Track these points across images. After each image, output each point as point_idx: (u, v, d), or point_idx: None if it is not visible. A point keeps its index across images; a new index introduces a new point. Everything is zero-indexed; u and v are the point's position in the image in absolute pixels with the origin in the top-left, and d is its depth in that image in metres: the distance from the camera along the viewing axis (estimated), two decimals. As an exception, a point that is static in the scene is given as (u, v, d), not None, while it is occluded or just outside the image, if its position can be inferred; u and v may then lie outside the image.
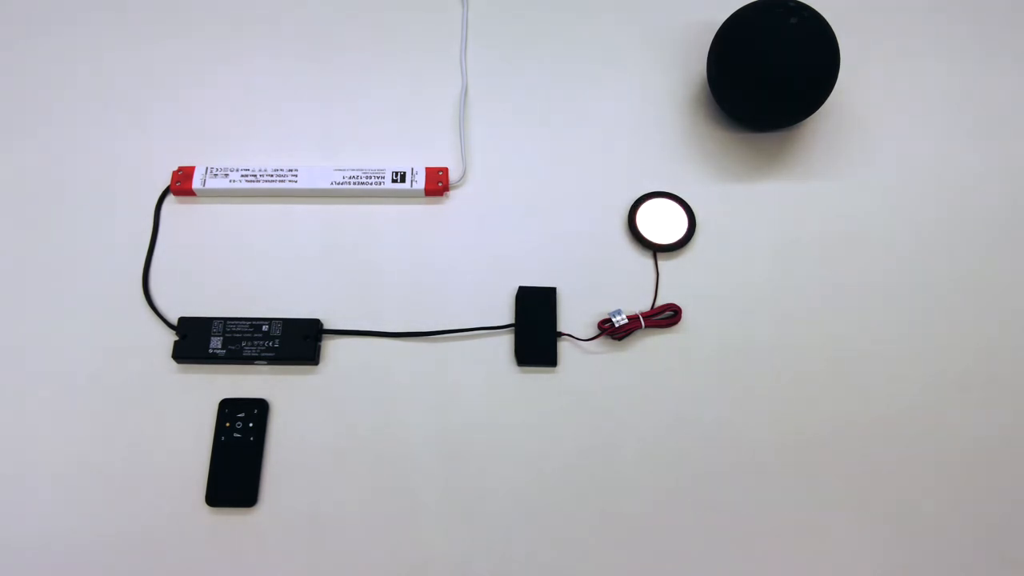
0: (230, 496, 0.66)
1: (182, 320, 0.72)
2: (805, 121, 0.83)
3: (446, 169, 0.80)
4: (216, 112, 0.84)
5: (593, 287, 0.76)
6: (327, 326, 0.73)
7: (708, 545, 0.66)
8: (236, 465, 0.67)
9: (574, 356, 0.73)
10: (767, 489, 0.68)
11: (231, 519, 0.66)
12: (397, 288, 0.75)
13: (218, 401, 0.69)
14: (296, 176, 0.78)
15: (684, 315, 0.74)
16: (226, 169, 0.78)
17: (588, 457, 0.69)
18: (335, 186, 0.78)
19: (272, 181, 0.78)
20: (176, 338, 0.71)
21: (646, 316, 0.72)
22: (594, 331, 0.73)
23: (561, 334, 0.73)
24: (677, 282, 0.76)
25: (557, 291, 0.75)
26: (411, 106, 0.85)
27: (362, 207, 0.79)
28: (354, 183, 0.78)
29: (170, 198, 0.79)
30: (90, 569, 0.64)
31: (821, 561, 0.66)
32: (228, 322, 0.71)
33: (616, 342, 0.73)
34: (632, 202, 0.79)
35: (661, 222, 0.78)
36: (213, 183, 0.78)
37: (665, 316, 0.74)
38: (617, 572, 0.65)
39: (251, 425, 0.68)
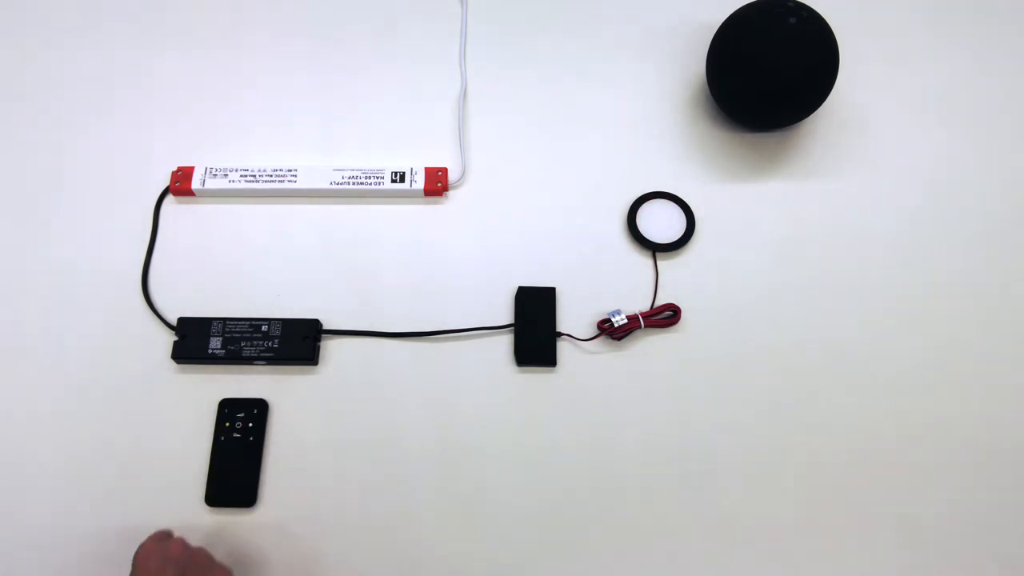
0: (230, 496, 0.66)
1: (181, 320, 0.71)
2: (804, 121, 0.83)
3: (445, 169, 0.80)
4: (216, 112, 0.84)
5: (592, 287, 0.76)
6: (326, 326, 0.73)
7: (707, 544, 0.66)
8: (236, 465, 0.67)
9: (573, 356, 0.73)
10: (766, 489, 0.68)
11: (231, 519, 0.66)
12: (396, 288, 0.75)
13: (218, 401, 0.69)
14: (295, 176, 0.78)
15: (683, 315, 0.74)
16: (225, 169, 0.78)
17: (587, 456, 0.69)
18: (334, 186, 0.78)
19: (271, 181, 0.78)
20: (175, 338, 0.70)
21: (645, 316, 0.72)
22: (593, 331, 0.73)
23: (560, 334, 0.73)
24: (676, 282, 0.76)
25: (556, 291, 0.75)
26: (410, 106, 0.85)
27: (361, 207, 0.79)
28: (353, 183, 0.78)
29: (169, 198, 0.79)
30: (89, 569, 0.64)
31: (820, 560, 0.66)
32: (227, 322, 0.71)
33: (615, 342, 0.73)
34: (632, 202, 0.79)
35: (660, 222, 0.78)
36: (212, 183, 0.78)
37: (664, 316, 0.74)
38: (616, 571, 0.65)
39: (251, 425, 0.68)
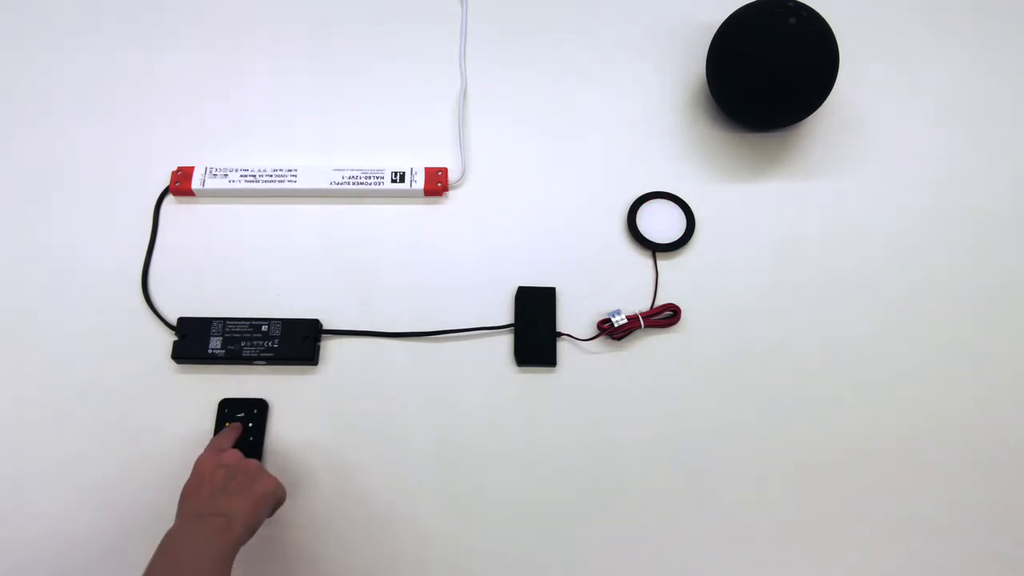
0: (230, 496, 0.66)
1: (181, 320, 0.71)
2: (804, 121, 0.83)
3: (445, 169, 0.80)
4: (216, 112, 0.84)
5: (592, 287, 0.75)
6: (326, 326, 0.73)
7: (707, 544, 0.66)
8: (236, 465, 0.66)
9: (573, 356, 0.73)
10: (766, 489, 0.68)
11: (231, 519, 0.66)
12: (397, 288, 0.75)
13: (218, 401, 0.69)
14: (295, 176, 0.78)
15: (683, 315, 0.74)
16: (225, 169, 0.78)
17: (587, 457, 0.69)
18: (334, 186, 0.78)
19: (271, 181, 0.78)
20: (175, 338, 0.70)
21: (645, 316, 0.72)
22: (593, 331, 0.73)
23: (560, 334, 0.73)
24: (676, 282, 0.76)
25: (557, 291, 0.75)
26: (410, 106, 0.85)
27: (361, 207, 0.79)
28: (353, 183, 0.78)
29: (169, 198, 0.79)
30: (89, 570, 0.64)
31: (820, 560, 0.66)
32: (227, 322, 0.71)
33: (615, 342, 0.73)
34: (632, 202, 0.79)
35: (661, 222, 0.78)
36: (212, 183, 0.78)
37: (664, 316, 0.74)
38: (616, 572, 0.65)
39: (251, 425, 0.68)
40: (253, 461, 0.61)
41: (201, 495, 0.57)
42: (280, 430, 0.69)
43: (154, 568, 0.51)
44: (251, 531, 0.55)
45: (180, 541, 0.53)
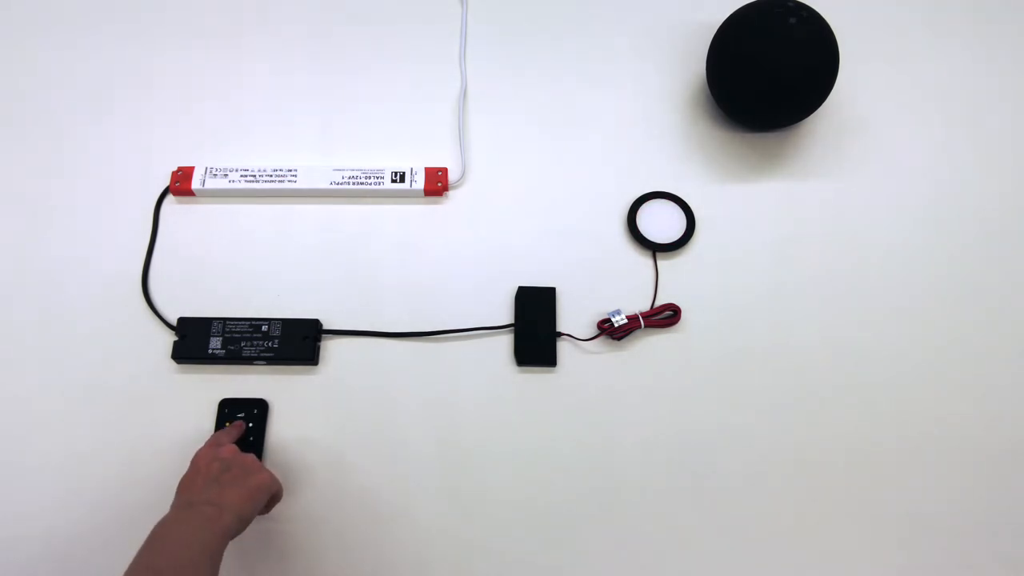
0: (230, 496, 0.66)
1: (181, 320, 0.71)
2: (804, 121, 0.83)
3: (445, 169, 0.80)
4: (216, 112, 0.84)
5: (593, 287, 0.75)
6: (326, 326, 0.73)
7: (707, 544, 0.66)
8: (236, 465, 0.67)
9: (573, 356, 0.73)
10: (766, 489, 0.68)
11: (231, 519, 0.66)
12: (397, 288, 0.75)
13: (218, 401, 0.69)
14: (295, 176, 0.78)
15: (683, 315, 0.74)
16: (225, 169, 0.78)
17: (587, 457, 0.69)
18: (334, 186, 0.78)
19: (271, 181, 0.78)
20: (175, 338, 0.70)
21: (645, 316, 0.72)
22: (593, 331, 0.73)
23: (560, 334, 0.73)
24: (676, 282, 0.76)
25: (557, 291, 0.75)
26: (410, 106, 0.85)
27: (361, 207, 0.79)
28: (353, 183, 0.78)
29: (169, 198, 0.79)
30: (89, 569, 0.64)
31: (820, 560, 0.66)
32: (227, 322, 0.71)
33: (615, 342, 0.73)
34: (632, 202, 0.79)
35: (661, 222, 0.78)
36: (212, 183, 0.78)
37: (664, 316, 0.74)
38: (616, 572, 0.65)
39: (251, 425, 0.68)
40: (250, 456, 0.62)
41: (195, 486, 0.57)
42: (280, 430, 0.69)
43: (142, 555, 0.51)
44: (243, 523, 0.55)
45: (169, 529, 0.53)
